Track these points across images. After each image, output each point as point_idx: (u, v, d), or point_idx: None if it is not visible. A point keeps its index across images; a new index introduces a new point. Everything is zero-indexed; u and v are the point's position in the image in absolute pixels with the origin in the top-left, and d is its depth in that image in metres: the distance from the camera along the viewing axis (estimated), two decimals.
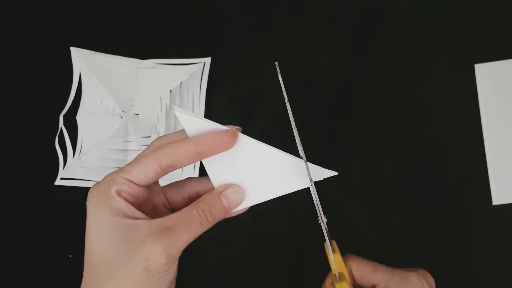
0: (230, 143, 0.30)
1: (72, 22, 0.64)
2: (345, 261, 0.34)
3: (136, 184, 0.30)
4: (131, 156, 0.58)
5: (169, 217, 0.29)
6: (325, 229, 0.32)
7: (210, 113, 0.59)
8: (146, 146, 0.57)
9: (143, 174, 0.30)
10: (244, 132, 0.31)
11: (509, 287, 0.50)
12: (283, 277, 0.53)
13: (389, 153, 0.54)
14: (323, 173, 0.32)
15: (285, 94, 0.32)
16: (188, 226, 0.29)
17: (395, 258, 0.51)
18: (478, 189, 0.52)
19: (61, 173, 0.58)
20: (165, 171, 0.30)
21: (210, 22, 0.62)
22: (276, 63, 0.31)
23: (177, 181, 0.34)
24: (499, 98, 0.53)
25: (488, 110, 0.53)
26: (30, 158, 0.60)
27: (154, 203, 0.34)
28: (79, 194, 0.60)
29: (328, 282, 0.34)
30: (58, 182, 0.58)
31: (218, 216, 0.30)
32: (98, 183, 0.31)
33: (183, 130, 0.31)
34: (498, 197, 0.51)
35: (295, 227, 0.54)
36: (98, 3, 0.65)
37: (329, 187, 0.54)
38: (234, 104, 0.59)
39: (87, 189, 0.61)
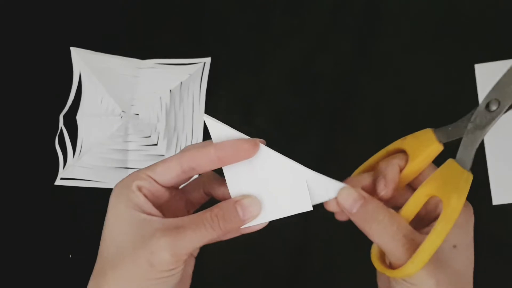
0: (250, 152, 0.30)
1: (72, 22, 0.64)
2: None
3: (158, 183, 0.31)
4: (131, 156, 0.58)
5: (182, 218, 0.30)
6: None
7: (210, 113, 0.58)
8: (146, 146, 0.58)
9: (165, 173, 0.31)
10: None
11: (509, 287, 0.50)
12: (282, 277, 0.53)
13: None
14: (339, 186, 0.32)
15: None
16: (197, 228, 0.29)
17: None
18: (478, 189, 0.52)
19: (61, 173, 0.58)
20: (186, 173, 0.31)
21: (210, 22, 0.62)
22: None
23: (196, 177, 0.35)
24: None
25: None
26: (30, 158, 0.60)
27: (176, 207, 0.34)
28: (79, 194, 0.60)
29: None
30: (58, 182, 0.58)
31: (231, 225, 0.30)
32: (125, 177, 0.32)
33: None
34: (498, 197, 0.51)
35: (294, 227, 0.54)
36: (98, 3, 0.65)
37: None
38: (234, 104, 0.59)
39: (87, 189, 0.62)
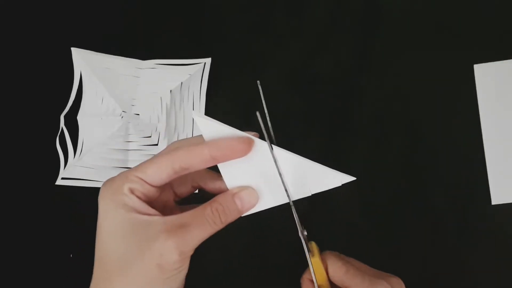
0: (245, 151, 0.30)
1: (72, 22, 0.64)
2: (323, 258, 0.34)
3: (149, 184, 0.30)
4: (132, 156, 0.58)
5: (183, 215, 0.30)
6: (303, 237, 0.33)
7: (210, 113, 0.59)
8: (147, 146, 0.58)
9: (156, 174, 0.30)
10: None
11: (509, 287, 0.50)
12: (281, 275, 0.53)
13: (388, 153, 0.54)
14: (341, 178, 0.32)
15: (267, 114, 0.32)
16: (201, 224, 0.29)
17: (395, 258, 0.51)
18: (477, 189, 0.52)
19: (62, 173, 0.58)
20: (178, 174, 0.30)
21: (210, 22, 0.62)
22: (258, 81, 0.32)
23: None
24: (498, 99, 0.53)
25: (487, 110, 0.53)
26: (31, 158, 0.61)
27: (164, 201, 0.34)
28: (80, 194, 0.60)
29: (306, 277, 0.36)
30: (59, 182, 0.58)
31: (231, 217, 0.31)
32: (111, 179, 0.31)
33: (201, 135, 0.31)
34: (497, 196, 0.51)
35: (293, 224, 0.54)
36: (98, 3, 0.65)
37: None
38: (234, 104, 0.59)
39: (88, 189, 0.62)
